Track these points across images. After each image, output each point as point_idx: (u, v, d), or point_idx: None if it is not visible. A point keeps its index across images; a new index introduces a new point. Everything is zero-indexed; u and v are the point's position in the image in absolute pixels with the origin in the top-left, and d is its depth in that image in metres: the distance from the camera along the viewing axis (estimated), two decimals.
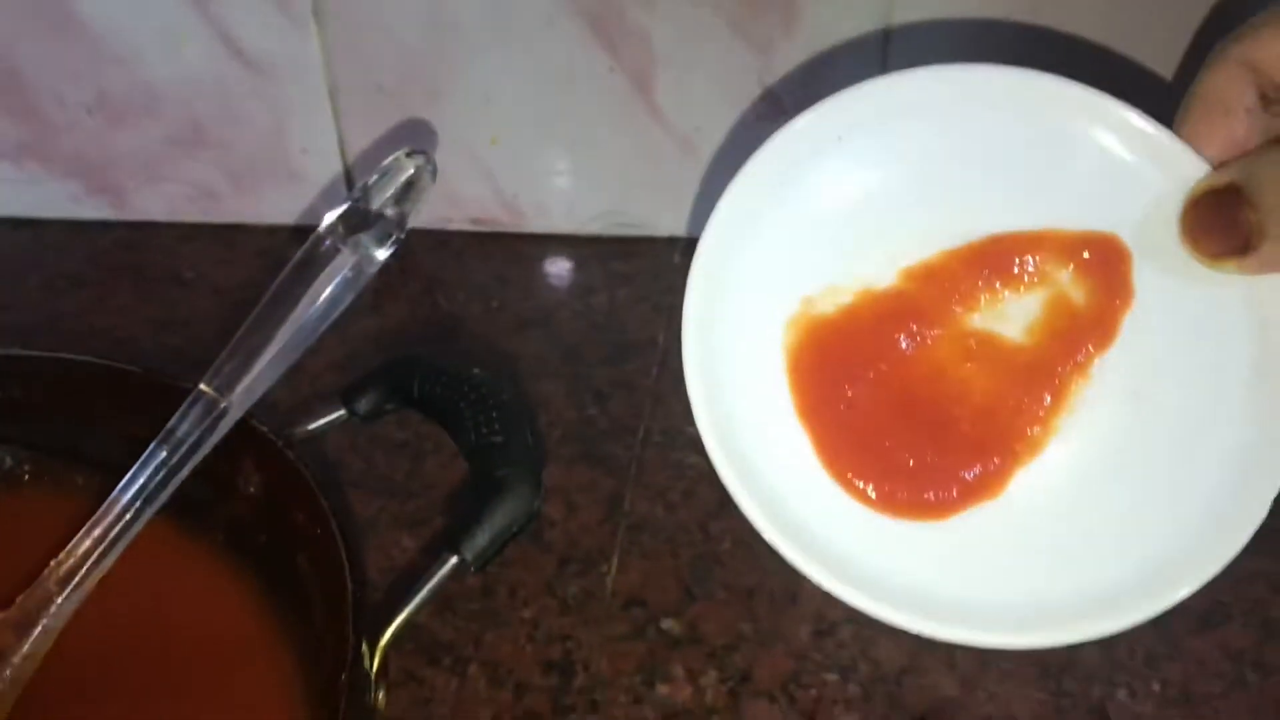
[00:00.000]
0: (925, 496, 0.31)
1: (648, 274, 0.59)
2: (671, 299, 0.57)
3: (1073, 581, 0.31)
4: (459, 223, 0.62)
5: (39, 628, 0.35)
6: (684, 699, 0.40)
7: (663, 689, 0.40)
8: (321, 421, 0.40)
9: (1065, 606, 0.31)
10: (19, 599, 0.36)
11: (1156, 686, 0.40)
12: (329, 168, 0.61)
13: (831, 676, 0.40)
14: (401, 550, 0.43)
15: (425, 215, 0.58)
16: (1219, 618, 0.42)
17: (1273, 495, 0.30)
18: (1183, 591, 0.31)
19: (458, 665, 0.41)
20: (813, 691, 0.40)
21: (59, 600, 0.36)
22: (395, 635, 0.34)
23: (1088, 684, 0.40)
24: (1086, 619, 0.31)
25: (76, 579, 0.36)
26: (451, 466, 0.45)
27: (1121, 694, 0.40)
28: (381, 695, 0.34)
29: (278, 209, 0.62)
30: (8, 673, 0.35)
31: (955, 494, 0.31)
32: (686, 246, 0.60)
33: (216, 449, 0.38)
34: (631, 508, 0.47)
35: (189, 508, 0.40)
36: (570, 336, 0.54)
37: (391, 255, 0.39)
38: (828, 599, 0.41)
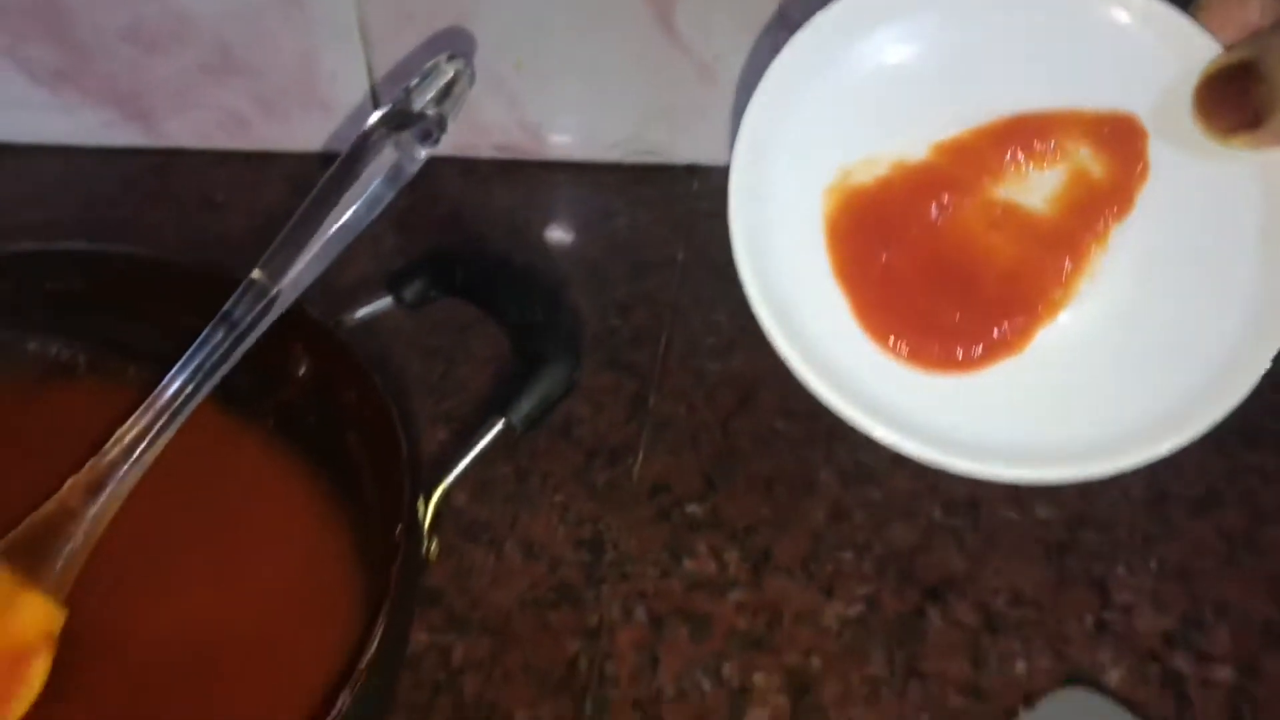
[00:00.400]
0: (953, 352, 0.34)
1: (666, 199, 0.61)
2: (690, 221, 0.60)
3: (1088, 424, 0.34)
4: (484, 150, 0.64)
5: (106, 491, 0.38)
6: (709, 573, 0.43)
7: (689, 564, 0.43)
8: (369, 309, 0.43)
9: (1080, 446, 0.33)
10: (89, 463, 0.38)
11: (1153, 564, 0.43)
12: (356, 95, 0.63)
13: (847, 555, 0.43)
14: (448, 423, 0.46)
15: (451, 143, 0.61)
16: (1214, 504, 0.45)
17: (1274, 350, 0.33)
18: (1185, 436, 0.33)
19: (495, 543, 0.44)
20: (829, 567, 0.43)
21: (124, 467, 0.38)
22: (446, 491, 0.37)
23: (1089, 561, 0.43)
24: (1099, 457, 0.33)
25: (140, 447, 0.38)
26: (494, 348, 0.47)
27: (1120, 569, 0.43)
28: (434, 547, 0.36)
29: (306, 136, 0.65)
30: (81, 530, 0.37)
31: (981, 350, 0.34)
32: (704, 173, 0.62)
33: (267, 336, 0.41)
34: (655, 408, 0.50)
35: (240, 395, 0.42)
36: (593, 256, 0.56)
37: (429, 153, 0.42)
38: (844, 487, 0.44)
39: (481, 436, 0.37)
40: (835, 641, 0.40)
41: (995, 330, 0.34)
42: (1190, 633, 0.40)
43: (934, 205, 0.34)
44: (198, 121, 0.65)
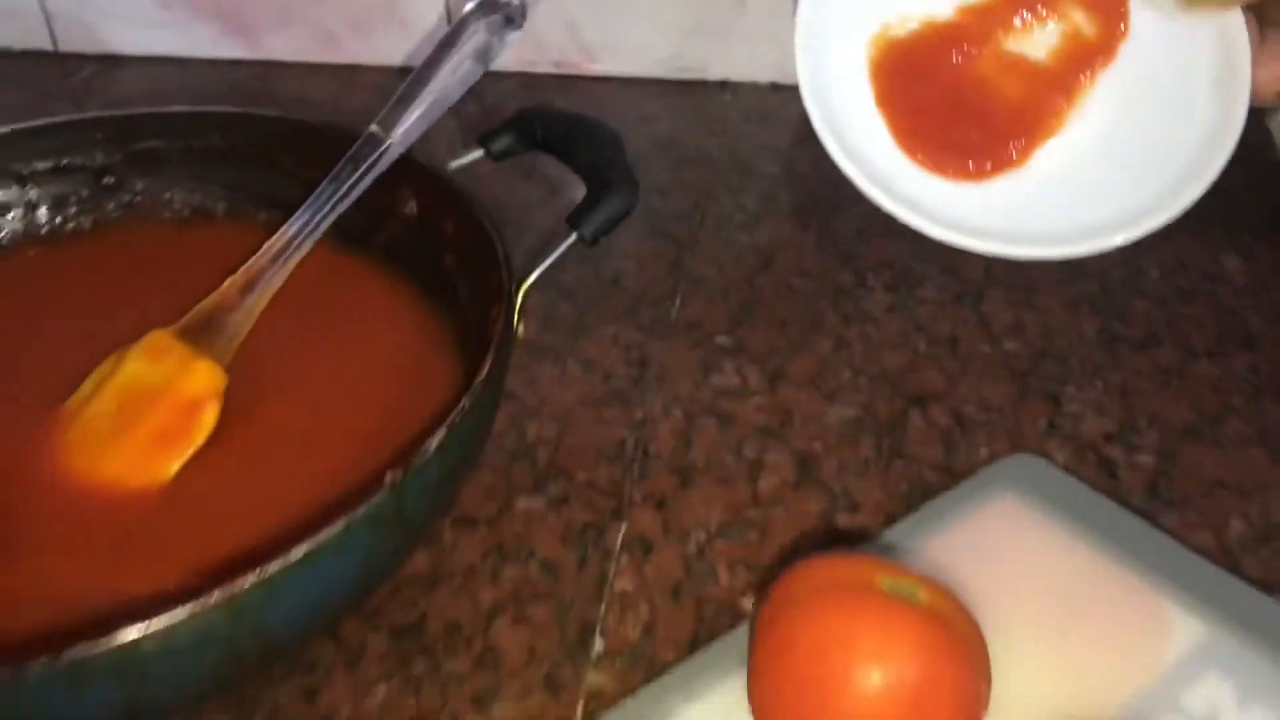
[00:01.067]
0: (967, 166, 0.44)
1: (702, 108, 0.72)
2: (722, 127, 0.71)
3: (1074, 217, 0.44)
4: (544, 67, 0.75)
5: (255, 290, 0.49)
6: (733, 385, 0.53)
7: (717, 379, 0.54)
8: (463, 160, 0.53)
9: (1069, 232, 0.44)
10: (242, 268, 0.49)
11: (1099, 385, 0.53)
12: (433, 15, 0.74)
13: (846, 374, 0.54)
14: (532, 244, 0.55)
15: (515, 60, 0.72)
16: (1153, 344, 0.55)
17: (1222, 164, 0.43)
18: (1152, 224, 0.43)
19: (558, 361, 0.54)
20: (831, 382, 0.53)
21: (269, 273, 0.49)
22: (530, 286, 0.47)
23: (1046, 382, 0.53)
24: (1086, 239, 0.43)
25: (280, 260, 0.49)
26: (566, 197, 0.57)
27: (1071, 388, 0.53)
28: (520, 328, 0.47)
29: (387, 51, 0.76)
30: (237, 318, 0.48)
31: (990, 165, 0.44)
32: (735, 88, 0.73)
33: (380, 183, 0.51)
34: (690, 268, 0.60)
35: (354, 233, 0.53)
36: (638, 151, 0.67)
37: (514, 34, 0.52)
38: (846, 326, 0.54)
39: (558, 246, 0.48)
40: (834, 433, 0.51)
41: (1003, 150, 0.44)
42: (1125, 433, 0.50)
43: (956, 53, 0.44)
44: (294, 37, 0.76)
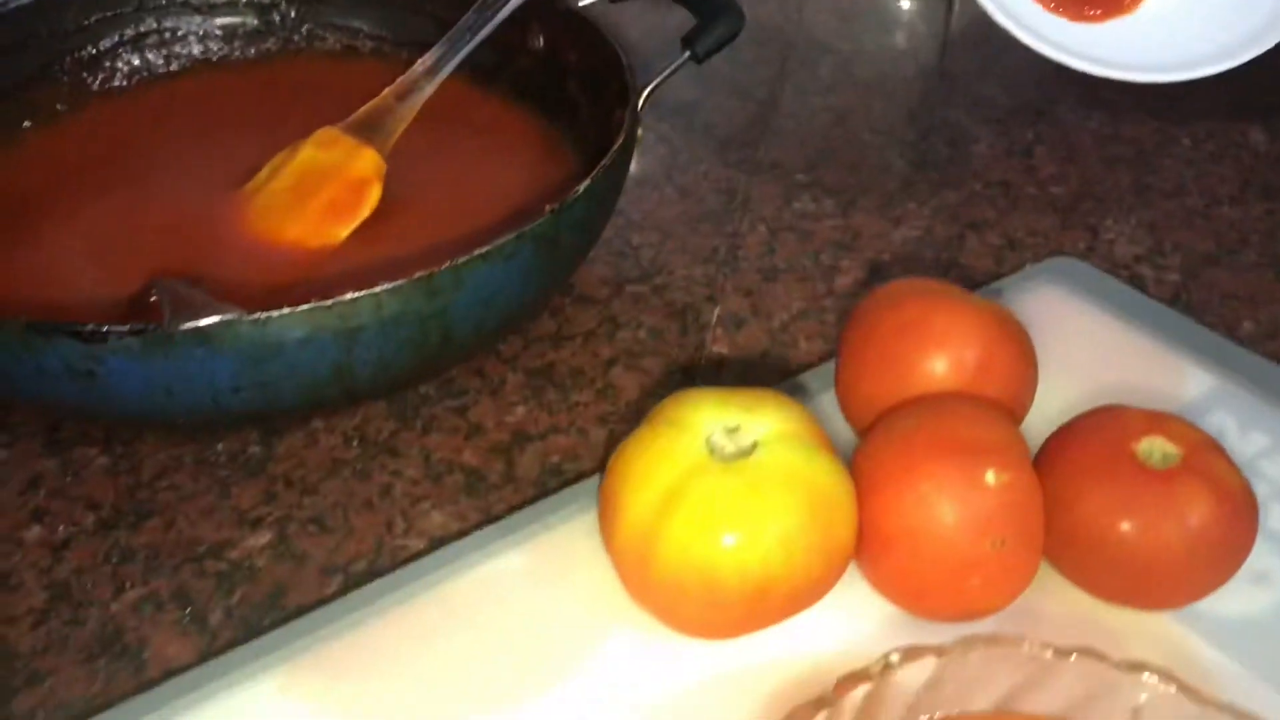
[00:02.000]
0: (1087, 12, 0.54)
1: None
2: (798, 15, 0.79)
3: (1176, 50, 0.54)
4: None
5: (408, 100, 0.58)
6: (810, 210, 0.62)
7: (796, 205, 0.63)
8: (586, 0, 0.62)
9: (1172, 62, 0.54)
10: (398, 80, 0.58)
11: (1133, 220, 0.62)
12: None
13: (911, 205, 0.63)
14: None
15: None
16: (1182, 193, 0.64)
17: None
18: (1236, 60, 0.55)
19: (657, 187, 0.63)
20: (897, 211, 0.62)
21: (421, 84, 0.58)
22: (647, 96, 0.56)
23: (1086, 216, 0.62)
24: (1190, 68, 0.54)
25: (430, 76, 0.58)
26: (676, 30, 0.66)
27: (1109, 222, 0.61)
28: (640, 134, 0.56)
29: None
30: (395, 119, 0.57)
31: (1101, 11, 0.54)
32: None
33: (511, 21, 0.60)
34: (772, 123, 0.69)
35: (484, 71, 0.62)
36: None
37: None
38: (914, 170, 0.63)
39: (672, 62, 0.57)
40: (899, 248, 0.59)
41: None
42: (1153, 256, 0.59)
43: None
44: None
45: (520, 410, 0.50)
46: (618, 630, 0.39)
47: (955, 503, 0.36)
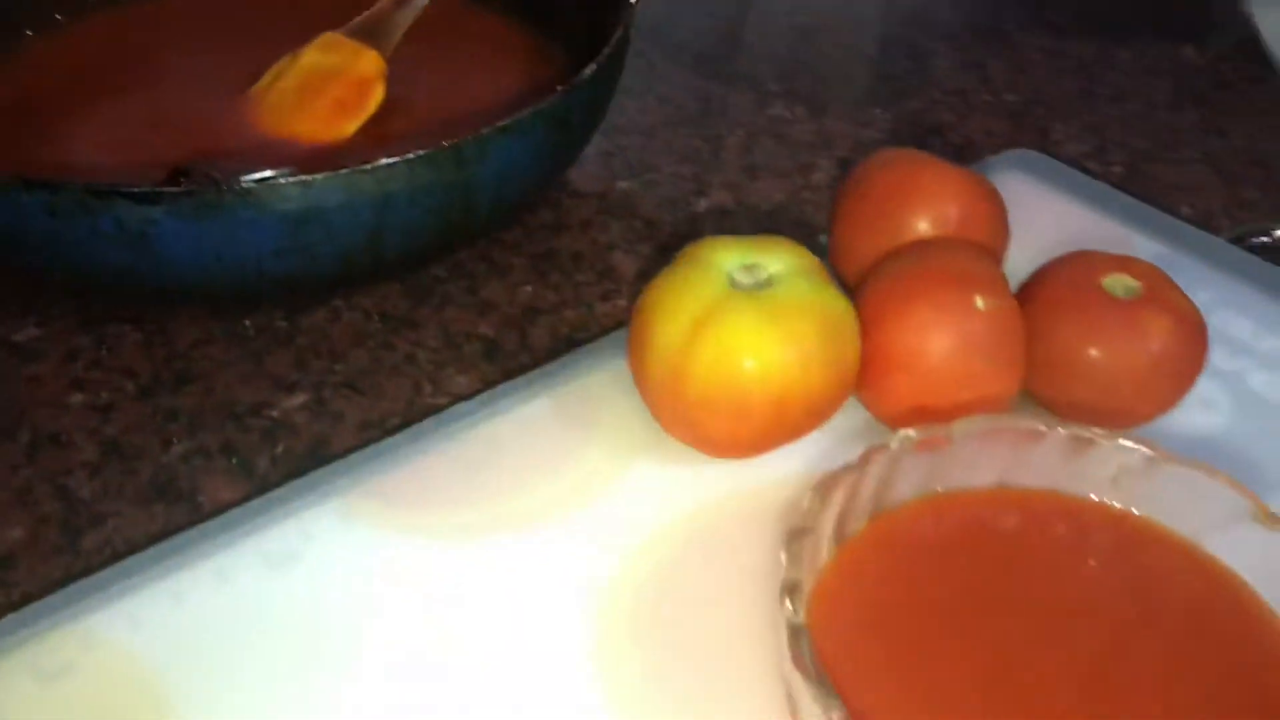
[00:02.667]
0: None
1: None
2: None
3: None
4: None
5: (406, 8, 0.61)
6: (785, 117, 0.67)
7: (770, 111, 0.67)
8: None
9: None
10: None
11: (1079, 123, 0.67)
12: None
13: (876, 111, 0.68)
14: None
15: None
16: (1123, 99, 0.70)
17: None
18: None
19: (638, 98, 0.68)
20: (864, 116, 0.67)
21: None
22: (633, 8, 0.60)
23: (1037, 120, 0.67)
24: None
25: None
26: None
27: (1058, 125, 0.67)
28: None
29: None
30: (394, 26, 0.61)
31: None
32: None
33: None
34: (743, 39, 0.74)
35: None
36: None
37: None
38: (874, 82, 0.68)
39: None
40: (868, 148, 0.65)
41: None
42: (1099, 154, 0.65)
43: None
44: None
45: (528, 289, 0.55)
46: (644, 459, 0.43)
47: (950, 325, 0.41)
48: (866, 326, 0.42)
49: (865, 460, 0.34)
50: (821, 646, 0.30)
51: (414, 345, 0.51)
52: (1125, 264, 0.44)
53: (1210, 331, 0.46)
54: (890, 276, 0.43)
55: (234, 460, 0.46)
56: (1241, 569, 0.34)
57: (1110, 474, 0.36)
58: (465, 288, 0.55)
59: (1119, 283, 0.43)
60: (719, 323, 0.40)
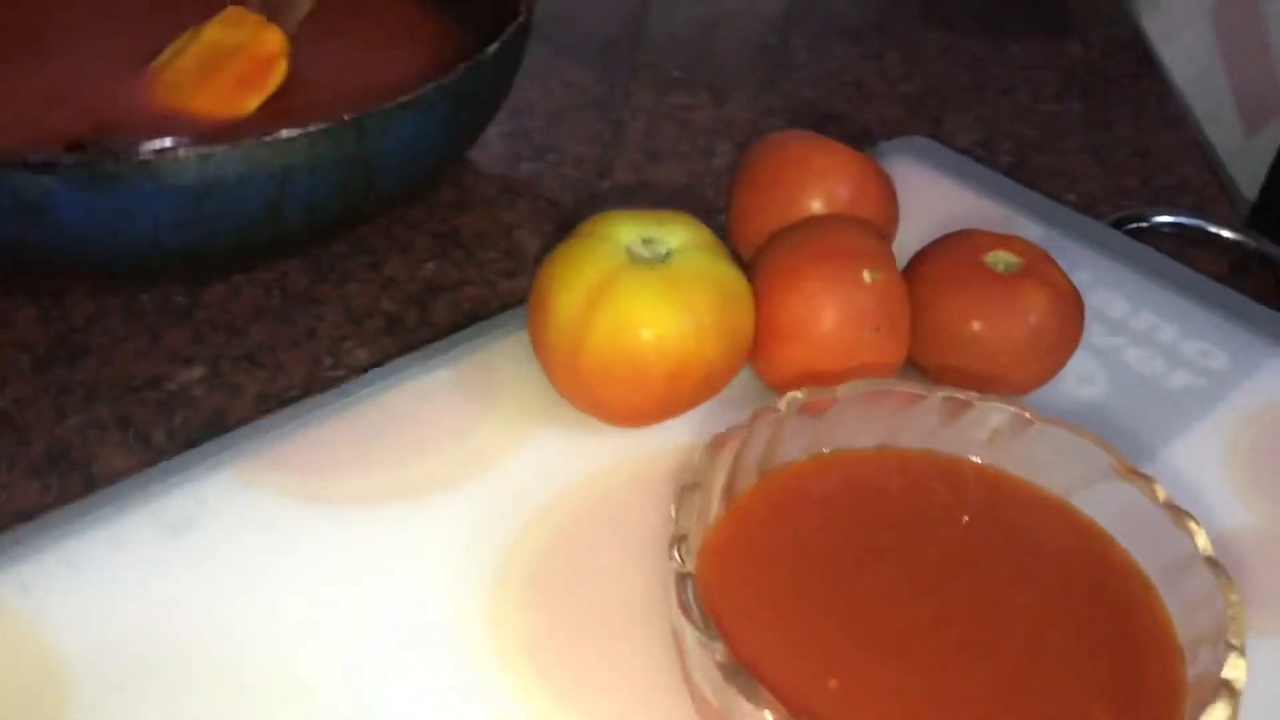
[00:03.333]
0: None
1: None
2: None
3: None
4: None
5: None
6: (687, 103, 0.68)
7: (672, 98, 0.69)
8: None
9: None
10: None
11: (971, 115, 0.70)
12: None
13: (776, 99, 0.70)
14: None
15: None
16: (1013, 91, 0.72)
17: None
18: None
19: (543, 81, 0.69)
20: (764, 104, 0.69)
21: None
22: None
23: (929, 110, 0.70)
24: None
25: None
26: None
27: (948, 116, 0.70)
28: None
29: None
30: (296, 6, 0.61)
31: None
32: None
33: None
34: (646, 30, 0.75)
35: None
36: None
37: None
38: (774, 71, 0.70)
39: None
40: (765, 134, 0.66)
41: None
42: (988, 143, 0.68)
43: None
44: None
45: (431, 266, 0.55)
46: (542, 428, 0.44)
47: (838, 297, 0.42)
48: (760, 298, 0.44)
49: (754, 420, 0.35)
50: (708, 596, 0.32)
51: (315, 320, 0.52)
52: (1007, 242, 0.46)
53: (1089, 310, 0.48)
54: (782, 251, 0.44)
55: (130, 432, 0.46)
56: (1106, 523, 0.36)
57: (985, 435, 0.38)
58: (368, 264, 0.55)
59: (1000, 259, 0.45)
60: (616, 293, 0.41)
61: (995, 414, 0.37)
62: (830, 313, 0.42)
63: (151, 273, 0.51)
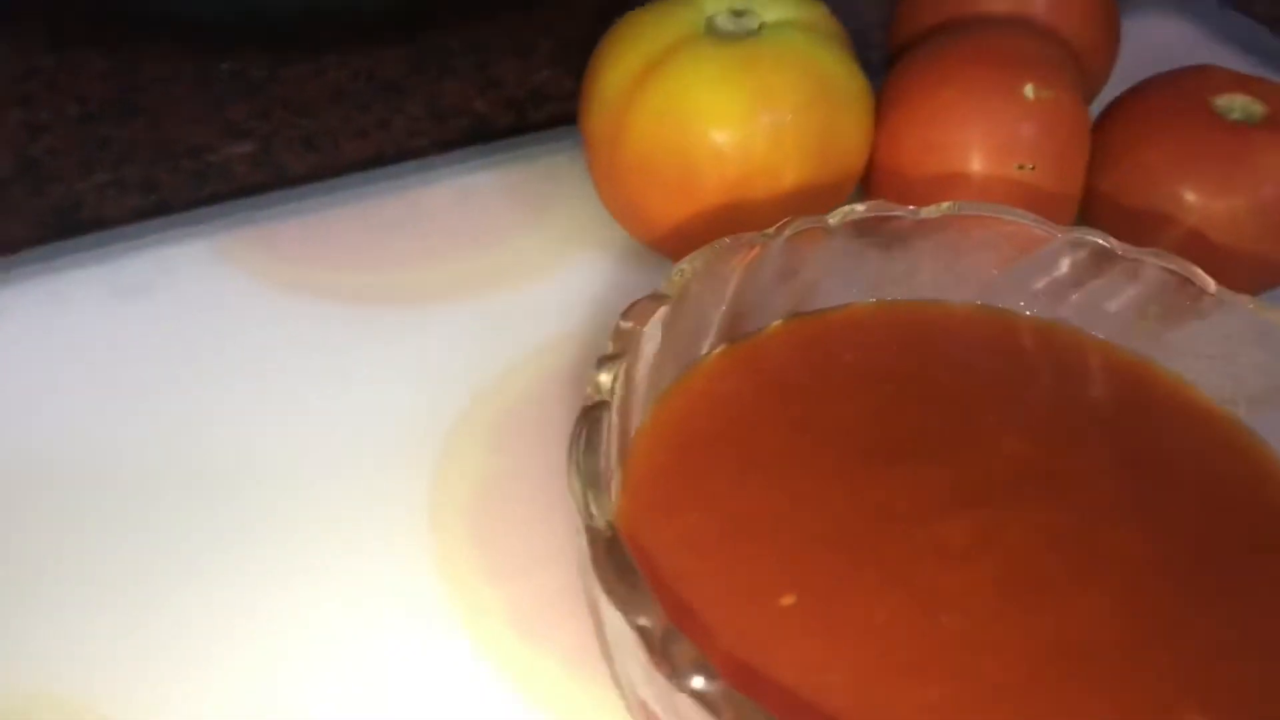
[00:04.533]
0: None
1: None
2: None
3: None
4: None
5: None
6: None
7: None
8: None
9: None
10: None
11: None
12: None
13: None
14: None
15: None
16: None
17: None
18: None
19: None
20: None
21: None
22: None
23: None
24: None
25: None
26: None
27: None
28: None
29: None
30: None
31: None
32: None
33: None
34: None
35: None
36: None
37: None
38: None
39: None
40: None
41: None
42: None
43: None
44: None
45: (545, 74, 0.47)
46: (580, 252, 0.36)
47: (982, 114, 0.31)
48: (885, 112, 0.33)
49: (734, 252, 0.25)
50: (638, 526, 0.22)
51: (392, 111, 0.45)
52: (1251, 84, 0.33)
53: None
54: (925, 51, 0.33)
55: (151, 198, 0.40)
56: None
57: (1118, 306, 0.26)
58: (475, 62, 0.47)
59: (1236, 104, 0.33)
60: (672, 68, 0.31)
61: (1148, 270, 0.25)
62: (966, 133, 0.31)
63: (234, 33, 0.46)
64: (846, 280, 0.26)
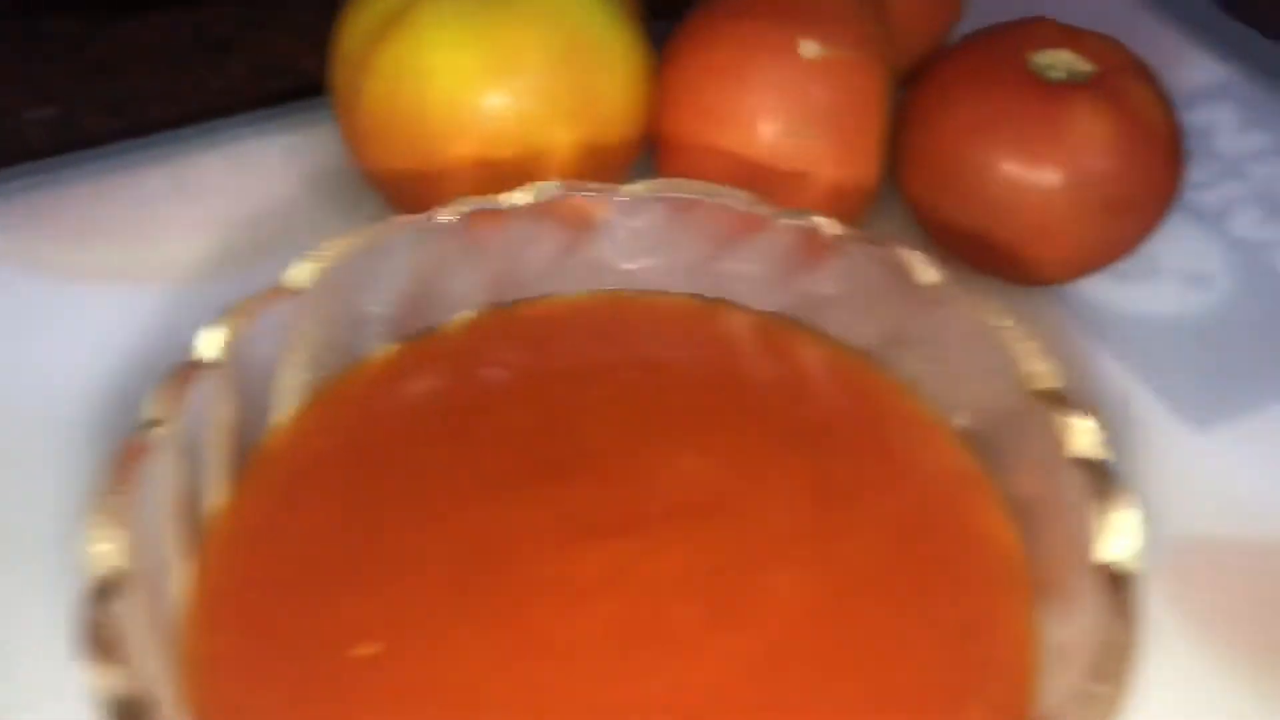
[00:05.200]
0: None
1: None
2: None
3: None
4: None
5: None
6: None
7: None
8: None
9: None
10: None
11: None
12: None
13: None
14: None
15: None
16: None
17: None
18: None
19: None
20: None
21: None
22: None
23: None
24: None
25: None
26: None
27: None
28: None
29: None
30: None
31: None
32: None
33: None
34: None
35: None
36: None
37: None
38: None
39: None
40: None
41: None
42: None
43: None
44: None
45: None
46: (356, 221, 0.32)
47: (754, 76, 0.27)
48: (663, 72, 0.29)
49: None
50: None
51: (211, 71, 0.42)
52: (1078, 38, 0.29)
53: (1253, 187, 0.31)
54: (704, 7, 0.30)
55: None
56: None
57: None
58: (315, 19, 0.44)
59: (1056, 60, 0.29)
60: (411, 21, 0.28)
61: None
62: (739, 98, 0.28)
63: None
64: (544, 268, 0.22)
